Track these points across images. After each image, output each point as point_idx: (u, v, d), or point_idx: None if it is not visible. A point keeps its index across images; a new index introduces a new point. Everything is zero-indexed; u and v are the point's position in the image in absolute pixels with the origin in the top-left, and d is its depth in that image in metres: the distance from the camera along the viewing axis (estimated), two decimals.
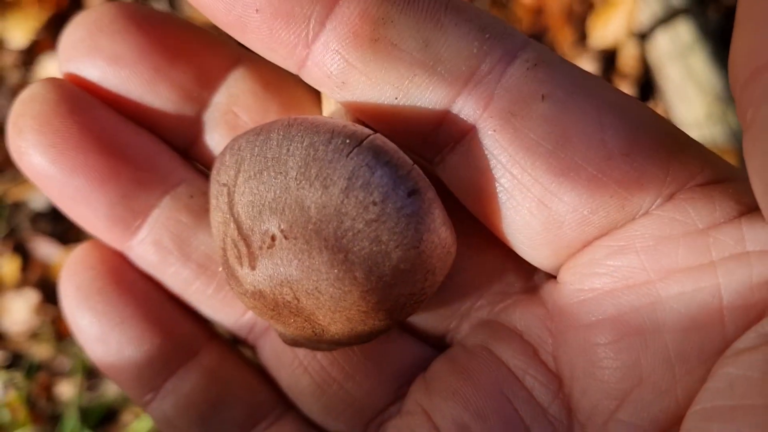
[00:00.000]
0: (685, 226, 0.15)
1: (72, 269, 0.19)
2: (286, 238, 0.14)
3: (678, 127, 0.16)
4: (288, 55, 0.16)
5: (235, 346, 0.20)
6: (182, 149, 0.19)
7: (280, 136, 0.15)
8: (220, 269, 0.18)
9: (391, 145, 0.15)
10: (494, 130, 0.15)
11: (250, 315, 0.19)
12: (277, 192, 0.14)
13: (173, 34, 0.18)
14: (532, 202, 0.15)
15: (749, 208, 0.15)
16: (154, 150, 0.19)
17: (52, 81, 0.18)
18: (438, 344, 0.19)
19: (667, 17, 0.67)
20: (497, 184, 0.16)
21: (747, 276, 0.14)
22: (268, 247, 0.15)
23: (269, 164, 0.14)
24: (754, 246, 0.15)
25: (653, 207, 0.15)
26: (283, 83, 0.19)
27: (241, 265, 0.15)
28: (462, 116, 0.16)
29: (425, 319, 0.19)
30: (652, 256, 0.15)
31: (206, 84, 0.18)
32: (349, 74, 0.15)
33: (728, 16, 0.68)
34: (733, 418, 0.13)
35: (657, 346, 0.15)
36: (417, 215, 0.14)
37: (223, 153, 0.16)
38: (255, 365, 0.20)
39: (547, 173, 0.15)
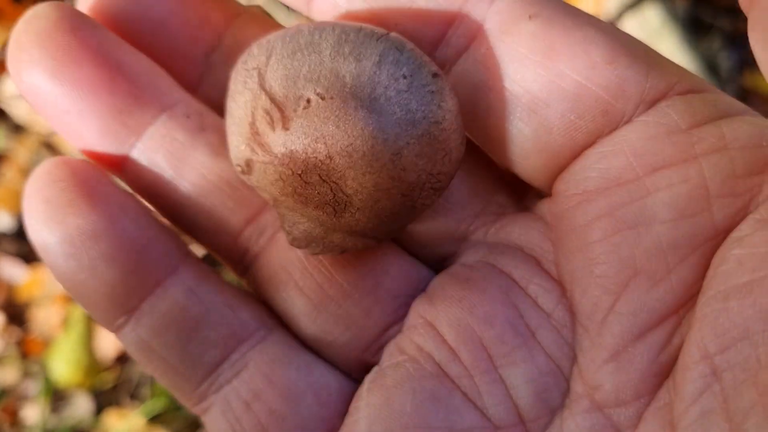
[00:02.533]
0: (668, 128, 0.16)
1: (39, 183, 0.17)
2: (322, 99, 0.15)
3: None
4: None
5: (213, 266, 0.19)
6: (189, 89, 0.19)
7: (312, 28, 0.16)
8: (243, 147, 0.17)
9: (410, 42, 0.16)
10: (487, 48, 0.16)
11: (246, 234, 0.19)
12: (312, 66, 0.16)
13: None
14: (523, 111, 0.16)
15: (727, 114, 0.16)
16: (152, 71, 0.18)
17: (56, 3, 0.18)
18: (437, 268, 0.19)
19: (635, 2, 0.66)
20: (490, 97, 0.17)
21: (730, 167, 0.15)
22: (303, 108, 0.16)
23: (302, 47, 0.16)
24: (734, 143, 0.15)
25: (636, 114, 0.16)
26: (281, 27, 0.19)
27: (274, 129, 0.16)
28: (456, 38, 0.17)
29: (423, 242, 0.19)
30: (640, 155, 0.16)
31: (213, 28, 0.19)
32: (353, 2, 0.17)
33: (696, 0, 0.67)
34: (749, 292, 0.14)
35: (650, 238, 0.16)
36: (441, 94, 0.16)
37: (249, 49, 0.17)
38: (235, 286, 0.19)
39: (535, 82, 0.16)
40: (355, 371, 0.19)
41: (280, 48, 0.16)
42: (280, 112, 0.16)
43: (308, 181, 0.16)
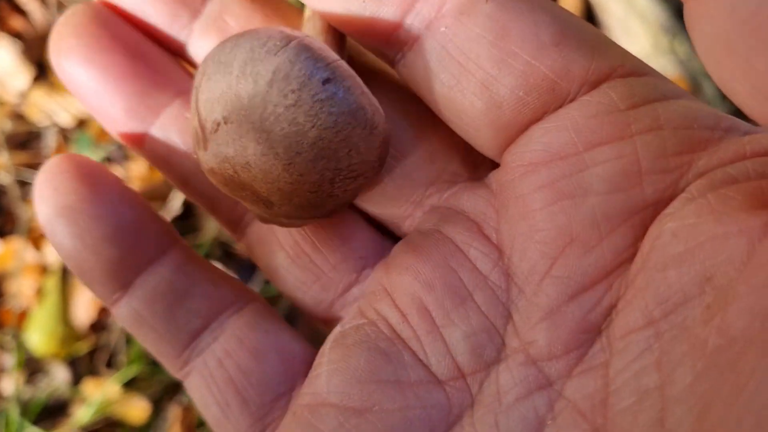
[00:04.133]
0: (608, 107, 0.17)
1: (48, 174, 0.20)
2: (225, 123, 0.17)
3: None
4: None
5: (194, 249, 0.22)
6: (175, 52, 0.22)
7: (232, 44, 0.17)
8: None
9: (317, 44, 0.17)
10: (446, 27, 0.18)
11: (240, 204, 0.21)
12: (223, 89, 0.17)
13: None
14: (476, 86, 0.18)
15: (665, 97, 0.17)
16: (168, 61, 0.22)
17: (91, 2, 0.21)
18: (397, 233, 0.21)
19: None
20: (447, 73, 0.18)
21: (662, 146, 0.17)
22: (214, 132, 0.18)
23: (221, 67, 0.17)
24: (668, 124, 0.17)
25: (580, 93, 0.17)
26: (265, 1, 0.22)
27: (200, 147, 0.19)
28: (419, 17, 0.18)
29: (381, 208, 0.21)
30: (581, 132, 0.17)
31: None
32: None
33: None
34: (684, 260, 0.15)
35: (585, 208, 0.17)
36: (331, 100, 0.17)
37: (202, 62, 0.19)
38: (218, 268, 0.22)
39: (488, 60, 0.17)
40: (322, 322, 0.21)
41: (210, 67, 0.18)
42: (203, 132, 0.18)
43: (234, 189, 0.19)
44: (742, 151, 0.16)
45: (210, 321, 0.21)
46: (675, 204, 0.16)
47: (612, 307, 0.17)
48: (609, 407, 0.16)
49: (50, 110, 0.70)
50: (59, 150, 0.69)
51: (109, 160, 0.68)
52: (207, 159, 0.18)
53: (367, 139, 0.18)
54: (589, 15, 0.65)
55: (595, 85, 0.17)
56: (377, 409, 0.18)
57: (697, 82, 0.63)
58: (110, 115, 0.21)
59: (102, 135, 0.68)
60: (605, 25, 0.65)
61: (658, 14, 0.64)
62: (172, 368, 0.21)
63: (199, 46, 0.22)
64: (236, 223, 0.22)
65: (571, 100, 0.17)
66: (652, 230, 0.16)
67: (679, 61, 0.64)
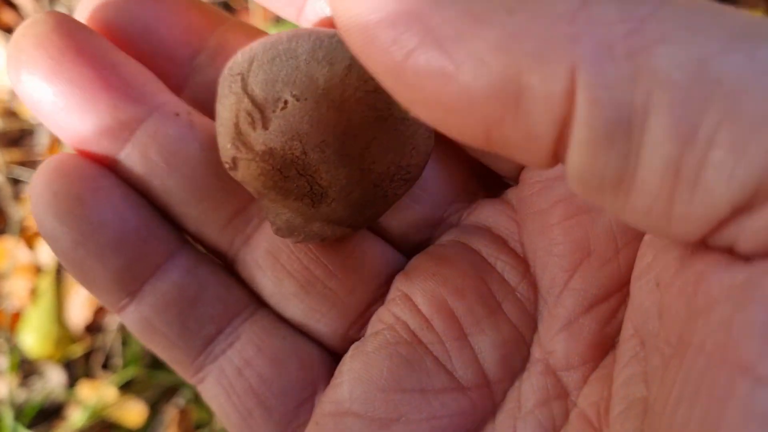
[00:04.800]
0: None
1: (46, 177, 0.19)
2: (298, 100, 0.17)
3: None
4: (288, 3, 0.19)
5: (204, 252, 0.21)
6: (175, 90, 0.21)
7: (289, 36, 0.17)
8: (228, 146, 0.18)
9: None
10: None
11: (233, 225, 0.20)
12: (289, 70, 0.17)
13: None
14: None
15: None
16: (142, 73, 0.19)
17: (53, 12, 0.19)
18: (414, 253, 0.21)
19: None
20: None
21: None
22: (281, 109, 0.17)
23: (281, 53, 0.17)
24: None
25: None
26: (263, 35, 0.21)
27: (255, 128, 0.17)
28: None
29: (401, 229, 0.20)
30: None
31: (197, 33, 0.20)
32: None
33: None
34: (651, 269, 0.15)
35: (602, 222, 0.17)
36: None
37: (234, 56, 0.18)
38: (226, 270, 0.21)
39: None
40: (340, 349, 0.20)
41: (261, 55, 0.17)
42: (261, 113, 0.17)
43: (287, 175, 0.18)
44: None
45: (223, 326, 0.20)
46: None
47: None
48: (609, 415, 0.16)
49: None
50: (52, 147, 0.67)
51: None
52: (268, 138, 0.18)
53: (426, 141, 0.18)
54: None
55: None
56: (404, 420, 0.18)
57: None
58: (79, 132, 0.19)
59: None
60: None
61: None
62: (185, 374, 0.20)
63: (200, 80, 0.21)
64: (226, 246, 0.20)
65: None
66: (645, 238, 0.16)
67: None
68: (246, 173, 0.18)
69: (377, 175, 0.18)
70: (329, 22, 0.19)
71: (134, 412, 0.59)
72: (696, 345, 0.12)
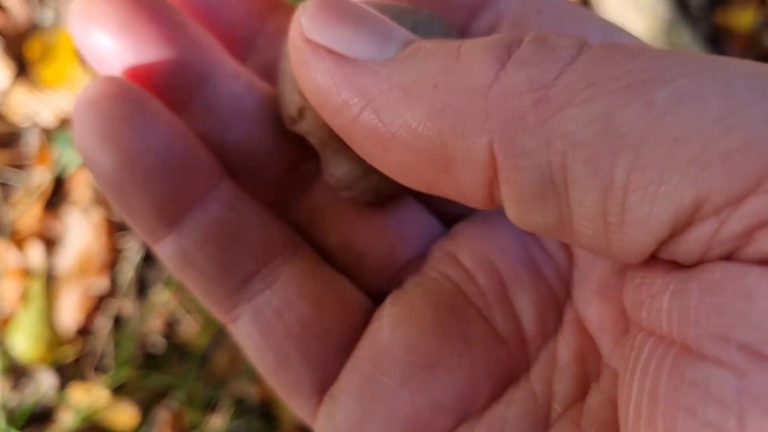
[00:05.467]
0: None
1: (92, 97, 0.18)
2: None
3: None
4: None
5: (241, 188, 0.21)
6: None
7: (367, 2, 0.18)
8: (296, 97, 0.19)
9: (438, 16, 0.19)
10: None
11: (286, 179, 0.21)
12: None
13: None
14: None
15: None
16: (205, 35, 0.20)
17: None
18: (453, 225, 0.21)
19: None
20: None
21: None
22: None
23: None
24: None
25: None
26: None
27: None
28: (476, 30, 0.20)
29: (443, 200, 0.21)
30: None
31: (257, 17, 0.21)
32: None
33: None
34: None
35: None
36: None
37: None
38: (264, 207, 0.20)
39: None
40: (378, 301, 0.20)
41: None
42: None
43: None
44: None
45: (262, 265, 0.19)
46: None
47: None
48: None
49: (32, 108, 0.68)
50: (41, 150, 0.67)
51: None
52: None
53: None
54: (585, 5, 0.64)
55: None
56: (443, 364, 0.18)
57: None
58: (147, 85, 0.19)
59: None
60: (600, 14, 0.63)
61: (655, 4, 0.63)
62: (217, 311, 0.20)
63: (261, 57, 0.21)
64: (277, 201, 0.21)
65: None
66: None
67: None
68: (313, 122, 0.19)
69: None
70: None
71: (126, 414, 0.59)
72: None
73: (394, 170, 0.15)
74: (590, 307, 0.19)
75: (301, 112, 0.19)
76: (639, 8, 0.62)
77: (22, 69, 0.69)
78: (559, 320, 0.19)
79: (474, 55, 0.14)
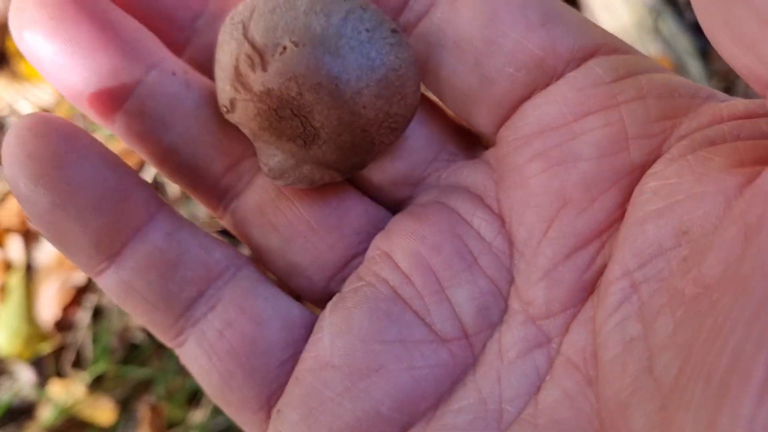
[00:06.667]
0: (594, 81, 0.18)
1: (21, 137, 0.18)
2: (296, 46, 0.18)
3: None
4: None
5: (182, 215, 0.21)
6: (175, 52, 0.21)
7: None
8: (228, 88, 0.19)
9: (373, 4, 0.19)
10: (441, 13, 0.19)
11: (226, 179, 0.21)
12: (289, 20, 0.18)
13: None
14: (470, 65, 0.19)
15: (647, 70, 0.18)
16: (141, 32, 0.20)
17: None
18: (395, 210, 0.21)
19: None
20: (443, 54, 0.19)
21: (645, 113, 0.18)
22: (280, 54, 0.18)
23: (281, 5, 0.18)
24: (650, 93, 0.18)
25: (567, 70, 0.19)
26: None
27: (254, 70, 0.19)
28: (417, 5, 0.19)
29: (382, 186, 0.21)
30: (570, 104, 0.18)
31: None
32: None
33: None
34: (662, 215, 0.16)
35: (577, 172, 0.18)
36: (398, 46, 0.19)
37: (236, 7, 0.19)
38: (207, 232, 0.21)
39: (480, 41, 0.19)
40: (320, 301, 0.21)
41: (261, 5, 0.19)
42: (260, 56, 0.18)
43: (282, 115, 0.19)
44: (719, 115, 0.17)
45: (204, 288, 0.20)
46: (657, 165, 0.17)
47: (605, 266, 0.18)
48: (598, 358, 0.17)
49: (11, 99, 0.67)
50: None
51: None
52: (267, 79, 0.18)
53: (414, 94, 0.19)
54: None
55: (580, 62, 0.19)
56: (384, 370, 0.18)
57: (682, 61, 0.61)
58: (80, 91, 0.19)
59: None
60: (585, 2, 0.62)
61: None
62: (164, 337, 0.20)
63: (200, 41, 0.21)
64: (217, 201, 0.21)
65: (559, 77, 0.19)
66: (637, 189, 0.17)
67: (663, 40, 0.62)
68: (243, 114, 0.19)
69: (366, 120, 0.19)
70: None
71: (105, 409, 0.58)
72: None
73: None
74: (536, 292, 0.18)
75: (233, 103, 0.19)
76: None
77: (2, 61, 0.68)
78: (503, 312, 0.19)
79: None
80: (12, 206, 0.65)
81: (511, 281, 0.19)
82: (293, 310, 0.20)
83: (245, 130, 0.20)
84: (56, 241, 0.19)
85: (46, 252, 0.64)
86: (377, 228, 0.21)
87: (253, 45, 0.18)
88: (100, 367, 0.59)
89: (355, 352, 0.18)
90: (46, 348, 0.61)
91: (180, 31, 0.21)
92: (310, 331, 0.20)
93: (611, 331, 0.16)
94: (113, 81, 0.19)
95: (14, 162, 0.18)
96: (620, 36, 0.19)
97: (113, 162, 0.19)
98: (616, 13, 0.61)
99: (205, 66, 0.21)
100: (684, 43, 0.61)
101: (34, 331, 0.62)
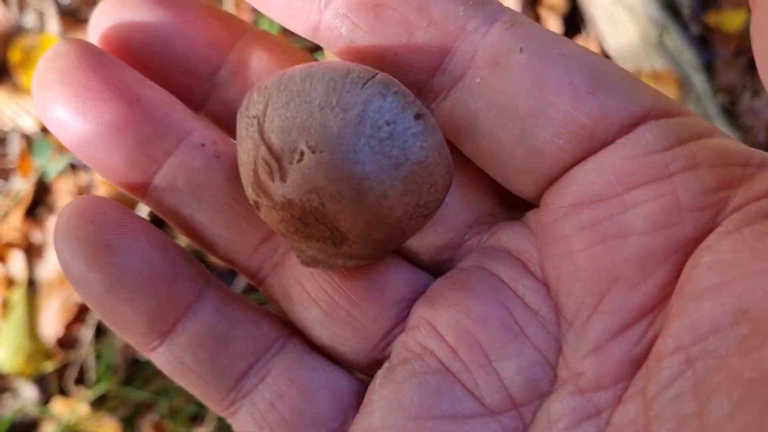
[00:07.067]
0: (645, 149, 0.18)
1: (71, 223, 0.19)
2: (313, 152, 0.17)
3: (628, 72, 0.19)
4: (303, 21, 0.19)
5: (230, 288, 0.21)
6: (196, 107, 0.21)
7: (304, 74, 0.17)
8: (249, 190, 0.19)
9: (396, 80, 0.18)
10: (481, 78, 0.18)
11: (260, 251, 0.21)
12: (303, 117, 0.17)
13: (188, 7, 0.20)
14: (516, 136, 0.18)
15: (698, 135, 0.18)
16: (169, 103, 0.20)
17: (76, 41, 0.19)
18: (435, 272, 0.21)
19: None
20: (485, 123, 0.19)
21: (699, 184, 0.17)
22: (297, 162, 0.17)
23: (295, 96, 0.17)
24: (704, 162, 0.17)
25: (617, 137, 0.18)
26: (283, 48, 0.21)
27: (273, 179, 0.18)
28: (453, 68, 0.19)
29: (422, 252, 0.21)
30: (620, 174, 0.18)
31: (218, 48, 0.21)
32: (356, 34, 0.19)
33: None
34: (719, 292, 0.16)
35: (629, 248, 0.18)
36: (423, 135, 0.17)
37: (250, 94, 0.18)
38: (254, 304, 0.21)
39: (526, 110, 0.18)
40: (364, 368, 0.21)
41: (275, 96, 0.17)
42: (278, 163, 0.17)
43: (307, 222, 0.18)
44: None
45: (254, 361, 0.20)
46: (711, 238, 0.17)
47: (655, 339, 0.17)
48: (651, 431, 0.16)
49: (13, 113, 0.66)
50: (23, 156, 0.66)
51: (73, 166, 0.65)
52: (286, 191, 0.18)
53: (444, 177, 0.18)
54: (574, 5, 0.63)
55: (630, 128, 0.18)
56: None
57: (686, 75, 0.61)
58: (109, 167, 0.20)
59: None
60: (590, 16, 0.62)
61: (646, 6, 0.62)
62: (216, 408, 0.21)
63: (222, 97, 0.21)
64: (254, 273, 0.21)
65: (609, 144, 0.18)
66: (690, 262, 0.17)
67: (668, 54, 0.62)
68: (267, 217, 0.19)
69: (395, 218, 0.18)
70: (351, 49, 0.19)
71: (108, 428, 0.58)
72: None
73: None
74: (586, 366, 0.18)
75: (257, 205, 0.19)
76: (630, 9, 0.61)
77: (3, 74, 0.68)
78: (552, 381, 0.19)
79: None
80: (13, 221, 0.65)
81: (559, 350, 0.19)
82: (341, 379, 0.21)
83: (273, 228, 0.19)
84: (109, 322, 0.19)
85: (49, 268, 0.63)
86: (418, 293, 0.21)
87: (269, 148, 0.18)
88: (104, 387, 0.58)
89: (406, 428, 0.19)
90: (49, 365, 0.61)
91: (200, 85, 0.21)
92: (358, 399, 0.20)
93: (666, 406, 0.16)
94: (143, 157, 0.19)
95: (67, 248, 0.19)
96: (625, 50, 0.19)
97: (162, 243, 0.19)
98: (621, 27, 0.61)
99: (226, 121, 0.21)
100: (689, 57, 0.61)
101: (36, 348, 0.61)
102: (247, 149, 0.18)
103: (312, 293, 0.20)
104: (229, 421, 0.21)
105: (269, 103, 0.18)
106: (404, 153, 0.17)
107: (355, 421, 0.20)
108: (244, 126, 0.18)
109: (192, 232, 0.20)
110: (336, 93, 0.17)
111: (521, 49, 0.18)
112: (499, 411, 0.19)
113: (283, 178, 0.18)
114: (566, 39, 0.19)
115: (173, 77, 0.20)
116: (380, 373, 0.20)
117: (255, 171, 0.18)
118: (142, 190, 0.20)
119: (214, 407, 0.21)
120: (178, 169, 0.20)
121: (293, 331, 0.21)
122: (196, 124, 0.20)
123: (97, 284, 0.19)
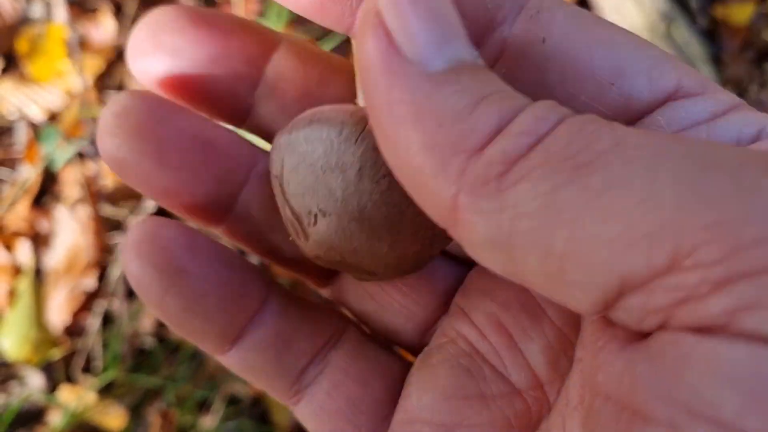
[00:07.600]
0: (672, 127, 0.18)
1: (145, 245, 0.20)
2: (324, 216, 0.18)
3: (655, 45, 0.19)
4: (337, 22, 0.19)
5: (287, 288, 0.23)
6: (238, 122, 0.22)
7: (306, 133, 0.18)
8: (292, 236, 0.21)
9: None
10: (505, 70, 0.18)
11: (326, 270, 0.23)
12: (311, 180, 0.18)
13: (223, 27, 0.21)
14: None
15: (724, 111, 0.18)
16: (233, 140, 0.21)
17: (136, 93, 0.20)
18: (472, 264, 0.23)
19: None
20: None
21: None
22: (313, 225, 0.18)
23: (301, 159, 0.18)
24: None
25: (635, 121, 0.18)
26: (317, 56, 0.22)
27: (299, 237, 0.19)
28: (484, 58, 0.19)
29: (457, 249, 0.22)
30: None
31: (255, 64, 0.21)
32: None
33: None
34: None
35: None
36: None
37: (271, 150, 0.20)
38: (312, 302, 0.23)
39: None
40: (417, 351, 0.22)
41: (287, 158, 0.19)
42: (300, 224, 0.19)
43: (339, 267, 0.20)
44: None
45: (314, 356, 0.22)
46: None
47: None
48: None
49: (20, 103, 0.66)
50: (30, 146, 0.66)
51: (81, 155, 0.65)
52: (310, 248, 0.19)
53: None
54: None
55: (650, 111, 0.18)
56: (466, 423, 0.20)
57: (694, 67, 0.61)
58: (187, 206, 0.21)
59: (73, 130, 0.65)
60: (598, 7, 0.62)
61: None
62: (282, 399, 0.22)
63: (262, 111, 0.22)
64: (324, 280, 0.23)
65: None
66: None
67: (676, 46, 0.62)
68: (306, 251, 0.20)
69: (414, 251, 0.19)
70: None
71: (115, 415, 0.58)
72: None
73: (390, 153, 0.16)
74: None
75: (293, 243, 0.20)
76: (637, 2, 0.61)
77: (11, 63, 0.68)
78: (572, 360, 0.19)
79: (486, 110, 0.14)
80: (21, 210, 0.65)
81: (579, 330, 0.19)
82: (393, 365, 0.22)
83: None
84: (187, 335, 0.21)
85: (56, 256, 0.64)
86: (459, 283, 0.22)
87: (291, 210, 0.19)
88: (111, 375, 0.58)
89: (439, 407, 0.20)
90: (56, 353, 0.61)
91: (241, 103, 0.22)
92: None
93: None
94: (219, 194, 0.21)
95: (141, 274, 0.20)
96: None
97: (228, 257, 0.21)
98: (629, 19, 0.61)
99: (268, 132, 0.22)
100: (697, 49, 0.61)
101: (43, 336, 0.62)
102: (280, 203, 0.20)
103: (367, 288, 0.23)
104: (293, 410, 0.22)
105: (284, 164, 0.19)
106: (406, 198, 0.17)
107: (399, 403, 0.21)
108: (273, 183, 0.20)
109: (265, 254, 0.22)
110: (334, 153, 0.18)
111: (544, 40, 0.18)
112: (525, 389, 0.20)
113: (306, 237, 0.19)
114: (593, 19, 0.18)
115: (216, 100, 0.21)
116: (419, 357, 0.22)
117: (289, 225, 0.20)
118: (220, 221, 0.21)
119: (280, 399, 0.22)
120: (251, 198, 0.21)
121: (348, 323, 0.23)
122: (260, 155, 0.21)
123: (174, 306, 0.20)
